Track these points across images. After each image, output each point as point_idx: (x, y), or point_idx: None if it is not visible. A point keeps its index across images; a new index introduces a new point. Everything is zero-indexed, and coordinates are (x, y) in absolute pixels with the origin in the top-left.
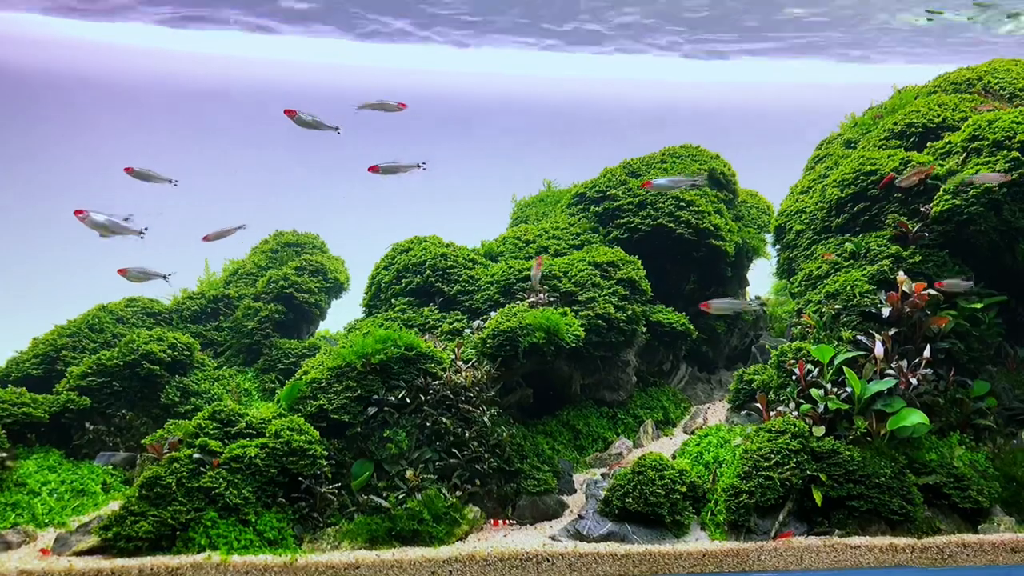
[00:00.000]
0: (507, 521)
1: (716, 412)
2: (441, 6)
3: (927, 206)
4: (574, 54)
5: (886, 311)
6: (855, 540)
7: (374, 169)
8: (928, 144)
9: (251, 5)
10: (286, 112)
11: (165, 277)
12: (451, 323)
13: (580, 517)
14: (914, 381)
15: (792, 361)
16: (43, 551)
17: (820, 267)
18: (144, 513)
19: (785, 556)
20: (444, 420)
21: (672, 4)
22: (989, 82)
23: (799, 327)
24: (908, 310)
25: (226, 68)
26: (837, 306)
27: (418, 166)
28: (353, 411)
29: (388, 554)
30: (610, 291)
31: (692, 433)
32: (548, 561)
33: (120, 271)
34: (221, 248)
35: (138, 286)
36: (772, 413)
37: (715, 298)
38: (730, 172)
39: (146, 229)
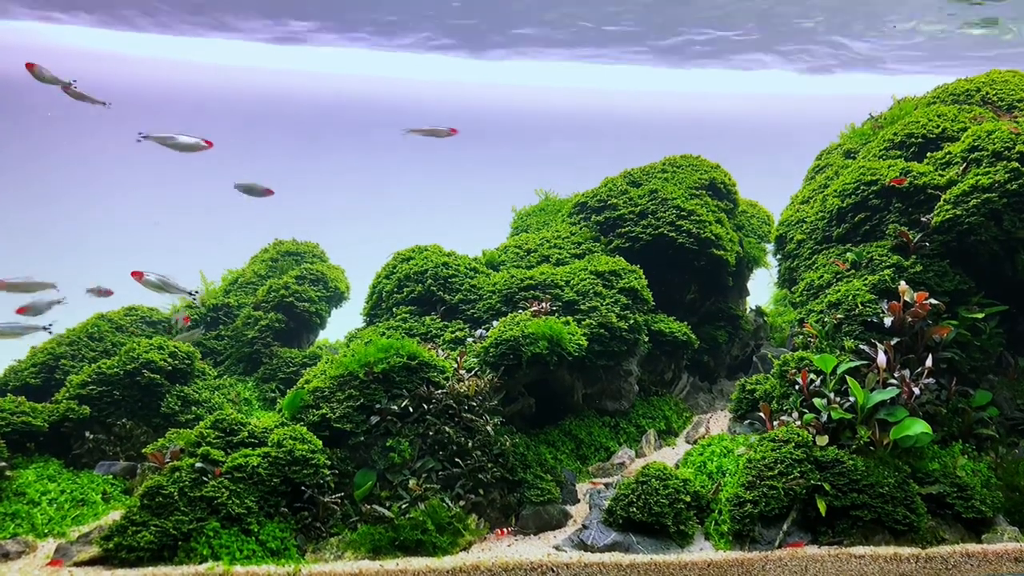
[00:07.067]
0: (503, 531)
1: (718, 422)
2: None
3: (927, 216)
4: (577, 63)
5: (888, 321)
6: (859, 550)
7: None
8: (928, 154)
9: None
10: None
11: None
12: (453, 332)
13: (584, 527)
14: (916, 391)
15: (795, 371)
16: (53, 562)
17: (821, 277)
18: (146, 523)
19: (790, 566)
20: (447, 429)
21: (677, 15)
22: (987, 93)
23: (801, 337)
24: (910, 320)
25: (221, 76)
26: (839, 316)
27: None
28: (355, 420)
29: (391, 564)
30: (612, 300)
31: (694, 443)
32: (553, 571)
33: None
34: (218, 258)
35: (136, 294)
36: (775, 422)
37: (717, 305)
38: (731, 182)
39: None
